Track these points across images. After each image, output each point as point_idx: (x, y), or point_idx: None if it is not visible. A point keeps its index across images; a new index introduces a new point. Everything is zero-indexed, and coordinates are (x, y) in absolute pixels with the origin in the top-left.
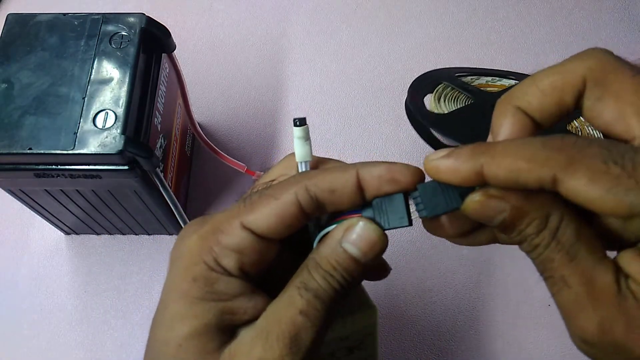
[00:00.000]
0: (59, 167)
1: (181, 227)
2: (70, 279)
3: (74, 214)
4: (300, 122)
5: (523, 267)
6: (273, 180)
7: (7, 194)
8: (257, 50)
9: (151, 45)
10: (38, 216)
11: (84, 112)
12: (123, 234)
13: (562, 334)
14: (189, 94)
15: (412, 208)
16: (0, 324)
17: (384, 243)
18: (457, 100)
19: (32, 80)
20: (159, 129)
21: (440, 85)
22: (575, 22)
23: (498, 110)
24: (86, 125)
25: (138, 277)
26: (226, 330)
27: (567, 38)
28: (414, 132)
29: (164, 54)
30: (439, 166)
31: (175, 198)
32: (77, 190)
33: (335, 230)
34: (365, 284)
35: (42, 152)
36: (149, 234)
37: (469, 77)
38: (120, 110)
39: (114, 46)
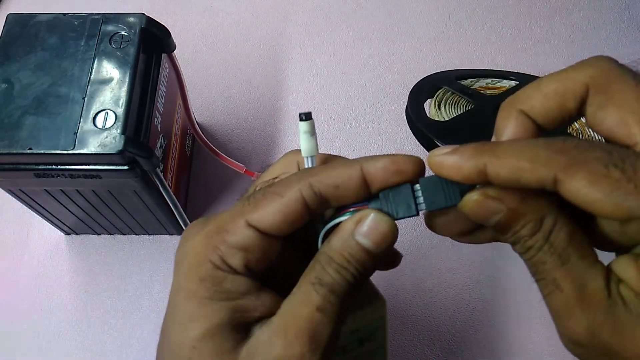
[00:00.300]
0: (59, 167)
1: (181, 227)
2: (70, 279)
3: (74, 214)
4: (306, 116)
5: (523, 266)
6: (275, 178)
7: (7, 194)
8: (257, 50)
9: (151, 45)
10: (38, 216)
11: (84, 112)
12: (123, 234)
13: None
14: (188, 95)
15: None
16: (0, 324)
17: (395, 234)
18: (457, 106)
19: (32, 80)
20: (159, 129)
21: (440, 91)
22: (575, 22)
23: (502, 113)
24: (86, 125)
25: (138, 277)
26: (239, 328)
27: (567, 38)
28: None
29: (164, 54)
30: (442, 162)
31: (175, 198)
32: (77, 190)
33: (346, 222)
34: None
35: (42, 152)
36: (149, 234)
37: (469, 80)
38: (120, 110)
39: (114, 46)
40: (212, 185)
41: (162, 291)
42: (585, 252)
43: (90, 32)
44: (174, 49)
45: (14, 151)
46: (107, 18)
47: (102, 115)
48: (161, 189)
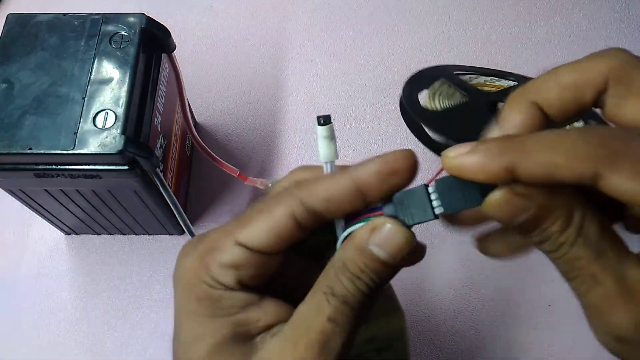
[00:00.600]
0: (59, 167)
1: (181, 227)
2: (70, 279)
3: (74, 214)
4: (325, 120)
5: (523, 267)
6: None
7: (7, 194)
8: (257, 50)
9: (151, 45)
10: (38, 216)
11: (84, 112)
12: (123, 234)
13: (562, 334)
14: (186, 96)
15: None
16: (0, 324)
17: (410, 243)
18: (452, 98)
19: (32, 80)
20: (159, 129)
21: (436, 82)
22: (575, 22)
23: (511, 103)
24: (86, 125)
25: (138, 277)
26: (245, 340)
27: (567, 38)
28: None
29: (163, 54)
30: (463, 164)
31: (175, 198)
32: (77, 190)
33: (360, 230)
34: None
35: (42, 152)
36: (149, 234)
37: (468, 76)
38: (120, 110)
39: (114, 46)
40: (212, 185)
41: (162, 291)
42: (617, 243)
43: (90, 32)
44: (174, 49)
45: (14, 151)
46: (107, 18)
47: (102, 115)
48: (161, 189)
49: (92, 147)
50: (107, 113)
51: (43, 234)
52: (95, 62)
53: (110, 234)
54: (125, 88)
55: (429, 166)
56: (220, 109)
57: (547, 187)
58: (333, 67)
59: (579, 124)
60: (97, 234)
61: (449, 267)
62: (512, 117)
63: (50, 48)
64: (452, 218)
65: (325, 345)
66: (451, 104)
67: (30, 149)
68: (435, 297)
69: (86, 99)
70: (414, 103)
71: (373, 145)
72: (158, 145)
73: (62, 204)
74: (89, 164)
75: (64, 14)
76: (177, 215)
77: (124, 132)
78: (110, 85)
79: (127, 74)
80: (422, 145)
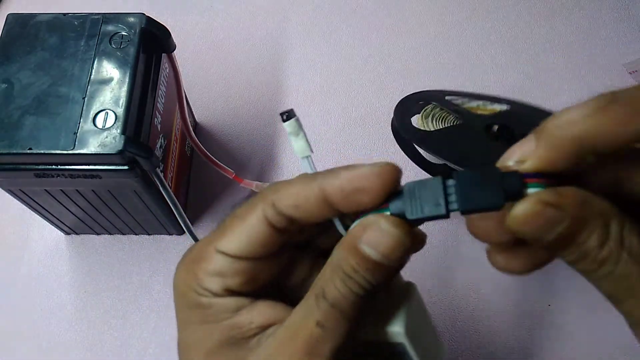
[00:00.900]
0: (59, 167)
1: (181, 227)
2: (70, 278)
3: (74, 214)
4: (288, 115)
5: None
6: None
7: (7, 194)
8: (257, 50)
9: (151, 45)
10: (38, 216)
11: (84, 112)
12: (123, 234)
13: (562, 334)
14: (186, 96)
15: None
16: (0, 324)
17: (404, 245)
18: (445, 121)
19: (32, 80)
20: (159, 129)
21: (429, 106)
22: (575, 22)
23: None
24: (86, 125)
25: (138, 277)
26: (241, 343)
27: (567, 38)
28: None
29: (163, 54)
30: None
31: (175, 198)
32: (77, 190)
33: (354, 227)
34: None
35: (42, 152)
36: (149, 234)
37: (460, 100)
38: (120, 110)
39: (114, 46)
40: (213, 185)
41: (162, 291)
42: None
43: (90, 32)
44: (174, 49)
45: (14, 151)
46: (107, 18)
47: (102, 115)
48: (161, 189)
49: (92, 147)
50: (107, 113)
51: (43, 234)
52: (95, 62)
53: (110, 234)
54: (125, 88)
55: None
56: (220, 109)
57: (579, 194)
58: (333, 67)
59: None
60: (97, 234)
61: (449, 267)
62: None
63: (50, 48)
64: (471, 225)
65: (312, 352)
66: (445, 126)
67: (30, 149)
68: (435, 297)
69: (86, 99)
70: (406, 124)
71: (373, 145)
72: (158, 145)
73: (62, 204)
74: (89, 164)
75: (64, 14)
76: (177, 215)
77: (124, 132)
78: (110, 85)
79: (127, 74)
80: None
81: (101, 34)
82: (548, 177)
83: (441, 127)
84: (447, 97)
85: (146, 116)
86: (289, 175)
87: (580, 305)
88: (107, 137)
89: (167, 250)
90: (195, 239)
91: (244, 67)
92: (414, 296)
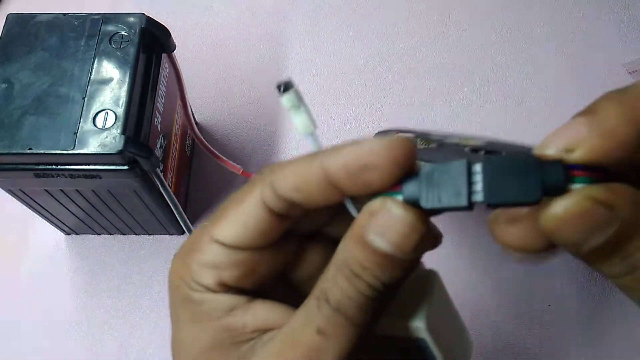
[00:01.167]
0: (59, 167)
1: (181, 227)
2: (70, 279)
3: (74, 214)
4: (285, 86)
5: (523, 266)
6: None
7: (7, 194)
8: (257, 50)
9: (151, 45)
10: (38, 216)
11: (84, 112)
12: (123, 234)
13: (562, 334)
14: (187, 95)
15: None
16: (0, 324)
17: (419, 230)
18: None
19: (32, 80)
20: (159, 129)
21: (409, 135)
22: (575, 22)
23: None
24: (86, 125)
25: (138, 277)
26: (232, 348)
27: (567, 38)
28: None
29: (164, 54)
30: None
31: (175, 198)
32: (77, 190)
33: (360, 215)
34: None
35: (42, 152)
36: (149, 234)
37: (438, 137)
38: (120, 110)
39: (114, 46)
40: (213, 185)
41: (162, 291)
42: None
43: (90, 32)
44: (174, 49)
45: (14, 151)
46: (107, 18)
47: (102, 115)
48: (161, 189)
49: (92, 147)
50: (107, 113)
51: (43, 234)
52: (95, 62)
53: (110, 234)
54: (125, 88)
55: None
56: (220, 109)
57: (632, 193)
58: (333, 67)
59: None
60: (97, 234)
61: (449, 267)
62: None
63: (50, 48)
64: (497, 229)
65: None
66: (430, 146)
67: (30, 149)
68: None
69: (86, 99)
70: None
71: None
72: (158, 145)
73: (62, 204)
74: (89, 164)
75: (64, 14)
76: (177, 215)
77: (124, 132)
78: (110, 85)
79: (127, 74)
80: None
81: (101, 34)
82: (594, 171)
83: (427, 146)
84: (422, 139)
85: (146, 116)
86: None
87: (580, 305)
88: (107, 137)
89: (167, 250)
90: None
91: (244, 67)
92: (435, 286)
